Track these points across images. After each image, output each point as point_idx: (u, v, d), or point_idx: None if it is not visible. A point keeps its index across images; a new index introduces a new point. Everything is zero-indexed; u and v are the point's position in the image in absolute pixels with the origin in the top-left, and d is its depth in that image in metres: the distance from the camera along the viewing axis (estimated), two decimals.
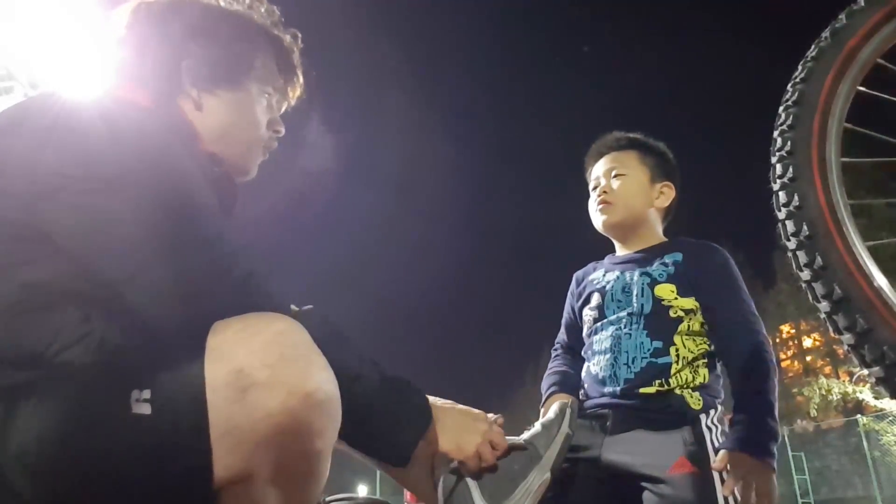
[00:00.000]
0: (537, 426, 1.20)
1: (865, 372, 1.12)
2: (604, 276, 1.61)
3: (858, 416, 14.90)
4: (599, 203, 1.60)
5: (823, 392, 15.86)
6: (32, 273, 0.79)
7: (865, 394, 14.57)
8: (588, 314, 1.58)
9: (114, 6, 1.08)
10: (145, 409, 0.71)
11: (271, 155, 1.20)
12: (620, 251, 1.66)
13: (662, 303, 1.46)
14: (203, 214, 0.86)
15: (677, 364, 1.40)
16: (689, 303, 1.45)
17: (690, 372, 1.40)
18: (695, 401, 1.38)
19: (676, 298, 1.45)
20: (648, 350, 1.42)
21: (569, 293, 1.72)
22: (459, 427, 1.04)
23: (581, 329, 1.63)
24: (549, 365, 1.68)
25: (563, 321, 1.73)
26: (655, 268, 1.51)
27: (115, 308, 0.79)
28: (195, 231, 0.83)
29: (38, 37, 5.59)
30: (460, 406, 1.09)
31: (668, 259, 1.52)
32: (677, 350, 1.41)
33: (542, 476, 1.11)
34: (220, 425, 0.72)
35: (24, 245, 0.80)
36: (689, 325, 1.44)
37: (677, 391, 1.38)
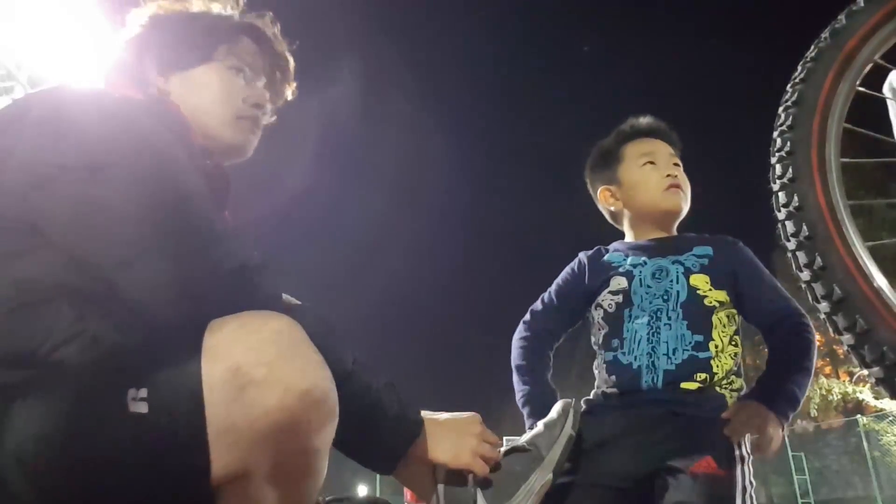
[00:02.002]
0: (540, 426, 1.20)
1: (865, 372, 1.12)
2: (626, 259, 1.51)
3: (858, 416, 14.89)
4: (674, 185, 1.52)
5: (823, 392, 15.87)
6: (25, 268, 0.79)
7: (865, 394, 14.58)
8: (609, 299, 1.48)
9: (114, 9, 1.11)
10: (142, 408, 0.71)
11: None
12: (636, 238, 1.57)
13: (697, 292, 1.42)
14: (194, 201, 0.86)
15: (717, 360, 1.37)
16: (722, 295, 1.43)
17: (730, 375, 1.39)
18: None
19: (711, 290, 1.43)
20: (690, 343, 1.37)
21: (570, 270, 1.60)
22: (453, 434, 1.03)
23: (573, 310, 1.56)
24: (520, 358, 1.53)
25: (554, 294, 1.59)
26: (687, 258, 1.47)
27: (109, 304, 0.79)
28: (187, 216, 0.83)
29: (38, 37, 5.60)
30: (449, 414, 1.08)
31: (698, 251, 1.48)
32: (717, 346, 1.39)
33: (543, 477, 1.11)
34: (218, 423, 0.72)
35: (15, 238, 0.80)
36: (719, 318, 1.41)
37: (718, 389, 1.37)
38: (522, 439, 1.17)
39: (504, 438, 1.16)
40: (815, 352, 1.39)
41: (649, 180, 1.52)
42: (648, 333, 1.40)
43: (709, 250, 1.48)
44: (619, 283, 1.48)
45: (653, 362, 1.37)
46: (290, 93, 1.24)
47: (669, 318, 1.40)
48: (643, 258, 1.50)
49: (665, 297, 1.42)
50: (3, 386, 0.74)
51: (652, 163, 1.53)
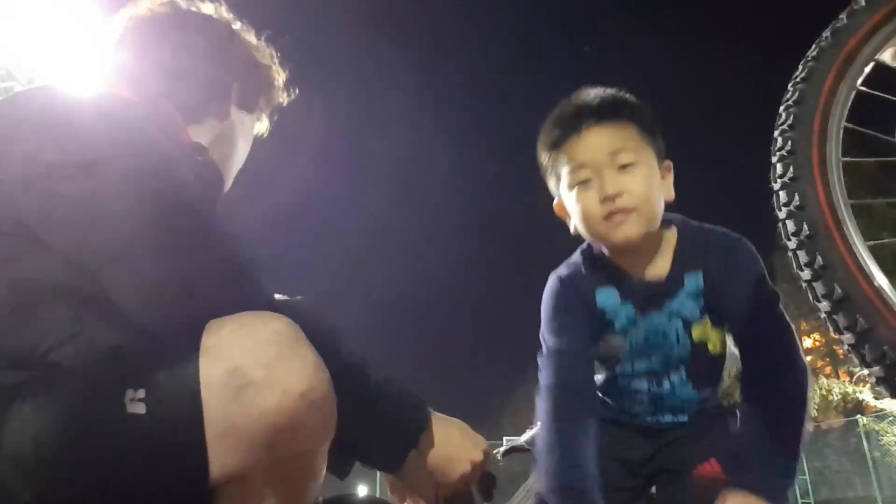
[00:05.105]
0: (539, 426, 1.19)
1: (866, 372, 1.12)
2: (619, 307, 1.22)
3: (858, 416, 14.88)
4: (614, 212, 1.12)
5: (823, 392, 15.87)
6: (20, 270, 0.79)
7: (865, 394, 14.58)
8: (603, 351, 1.27)
9: (114, 8, 1.09)
10: (140, 409, 0.71)
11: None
12: (617, 262, 1.23)
13: (702, 344, 1.20)
14: (185, 199, 0.85)
15: (724, 393, 1.29)
16: (723, 331, 1.23)
17: (732, 387, 1.30)
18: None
19: (714, 331, 1.21)
20: (696, 400, 1.24)
21: (563, 306, 1.25)
22: (452, 446, 1.01)
23: (582, 334, 1.25)
24: (562, 452, 1.13)
25: (566, 350, 1.21)
26: (682, 302, 1.19)
27: (106, 305, 0.79)
28: (177, 214, 0.83)
29: (38, 37, 5.59)
30: (459, 423, 1.05)
31: (690, 285, 1.19)
32: (725, 384, 1.29)
33: None
34: (216, 425, 0.71)
35: (9, 241, 0.80)
36: (727, 353, 1.25)
37: (726, 403, 1.30)
38: (522, 439, 1.17)
39: (504, 438, 1.15)
40: (809, 394, 1.11)
41: (585, 209, 1.15)
42: (650, 394, 1.24)
43: (699, 279, 1.18)
44: (613, 342, 1.24)
45: (657, 419, 1.27)
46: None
47: (672, 380, 1.23)
48: (634, 312, 1.22)
49: (666, 361, 1.22)
50: (1, 387, 0.74)
51: (586, 181, 1.15)
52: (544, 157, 1.23)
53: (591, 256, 1.26)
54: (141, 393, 0.71)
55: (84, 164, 0.79)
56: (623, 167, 1.13)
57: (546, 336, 1.25)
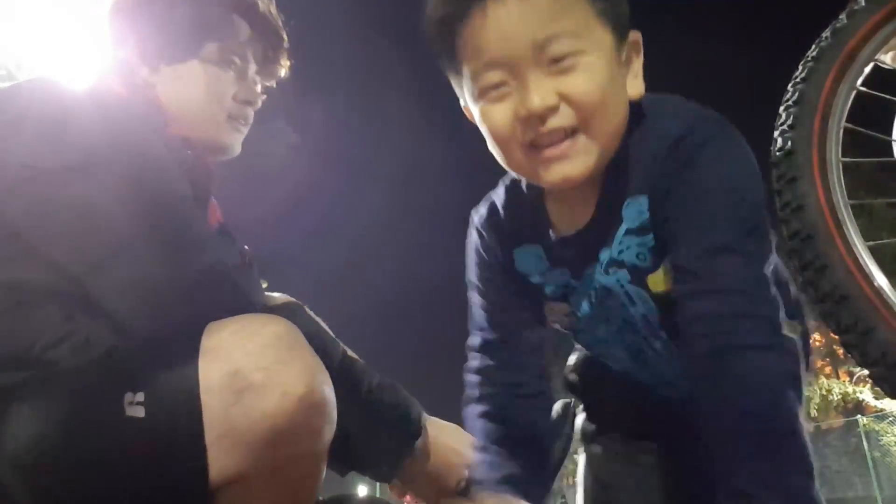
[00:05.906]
0: None
1: (866, 372, 1.12)
2: (547, 275, 0.91)
3: (858, 416, 14.90)
4: (544, 138, 0.74)
5: (823, 392, 15.89)
6: (11, 271, 0.78)
7: (865, 394, 14.60)
8: (553, 317, 0.96)
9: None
10: (139, 412, 0.71)
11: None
12: (546, 202, 0.88)
13: (666, 297, 0.81)
14: (171, 203, 0.84)
15: None
16: None
17: None
18: None
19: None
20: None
21: (476, 253, 0.95)
22: (449, 451, 1.01)
23: (516, 307, 0.94)
24: (476, 411, 0.90)
25: (484, 302, 0.93)
26: (623, 245, 0.82)
27: (99, 307, 0.78)
28: (162, 219, 0.81)
29: (38, 37, 5.60)
30: (454, 427, 1.05)
31: (631, 218, 0.81)
32: None
33: None
34: (216, 427, 0.71)
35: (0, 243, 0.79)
36: None
37: None
38: None
39: None
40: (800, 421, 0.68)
41: (497, 133, 0.77)
42: (634, 363, 0.95)
43: (642, 203, 0.80)
44: (555, 307, 0.94)
45: (659, 392, 0.99)
46: (283, 72, 1.15)
47: (652, 345, 0.90)
48: (567, 274, 0.89)
49: (626, 319, 0.88)
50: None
51: (499, 85, 0.75)
52: (434, 40, 0.80)
53: (516, 193, 0.89)
54: (140, 396, 0.71)
55: (74, 168, 0.78)
56: (557, 61, 0.72)
57: (475, 317, 0.95)
